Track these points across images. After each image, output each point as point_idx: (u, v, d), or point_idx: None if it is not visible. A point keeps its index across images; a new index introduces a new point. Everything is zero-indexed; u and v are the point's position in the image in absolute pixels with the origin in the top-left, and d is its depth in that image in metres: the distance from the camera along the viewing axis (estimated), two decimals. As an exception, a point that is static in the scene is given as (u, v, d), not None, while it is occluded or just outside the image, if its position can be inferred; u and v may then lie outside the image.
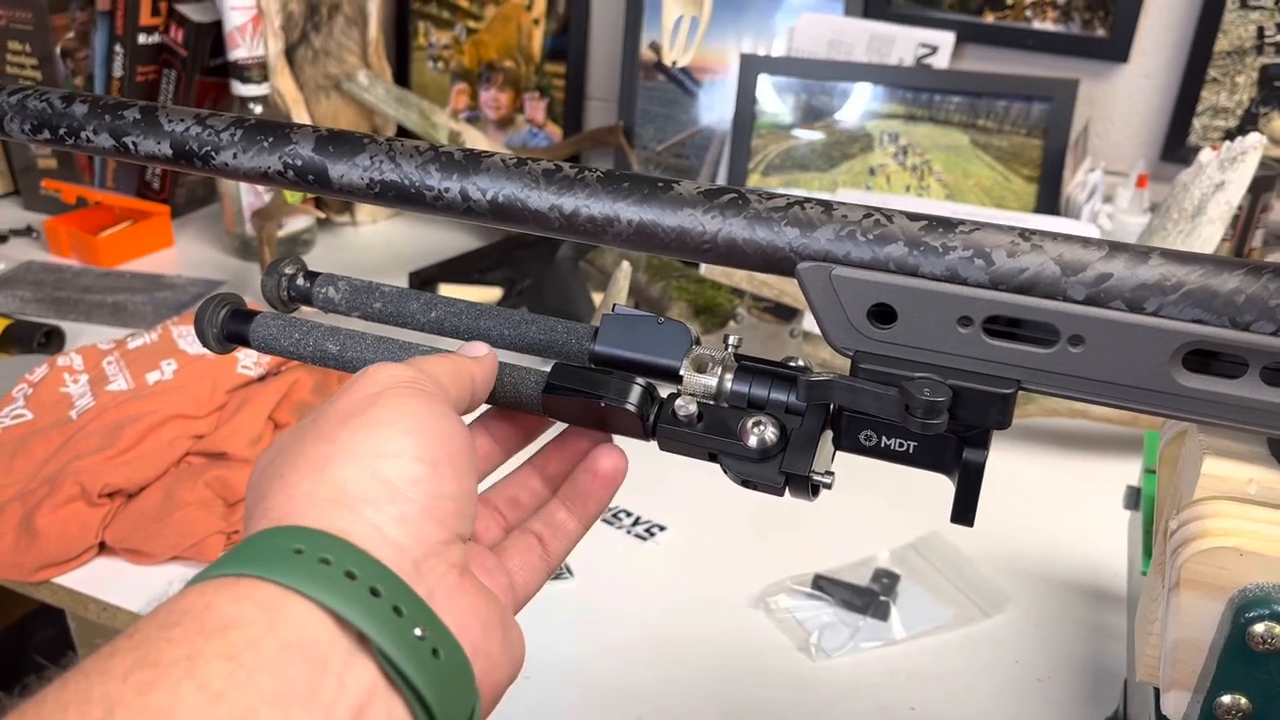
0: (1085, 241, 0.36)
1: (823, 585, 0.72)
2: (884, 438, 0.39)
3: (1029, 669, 0.67)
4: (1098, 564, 0.76)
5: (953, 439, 0.38)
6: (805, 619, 0.70)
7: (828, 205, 0.38)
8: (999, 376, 0.37)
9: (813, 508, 0.79)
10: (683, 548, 0.78)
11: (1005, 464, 0.88)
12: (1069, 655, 0.68)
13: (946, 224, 0.37)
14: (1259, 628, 0.33)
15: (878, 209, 0.38)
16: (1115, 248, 0.36)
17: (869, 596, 0.71)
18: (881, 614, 0.70)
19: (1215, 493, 0.36)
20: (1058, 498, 0.84)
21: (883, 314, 0.38)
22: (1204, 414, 0.35)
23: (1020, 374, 0.37)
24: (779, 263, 0.39)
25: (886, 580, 0.73)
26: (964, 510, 0.39)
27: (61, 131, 0.48)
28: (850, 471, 0.69)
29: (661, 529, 0.79)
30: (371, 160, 0.43)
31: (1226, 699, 0.35)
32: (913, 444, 0.39)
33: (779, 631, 0.69)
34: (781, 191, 0.40)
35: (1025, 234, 0.36)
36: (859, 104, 1.12)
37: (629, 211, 0.40)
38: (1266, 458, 0.36)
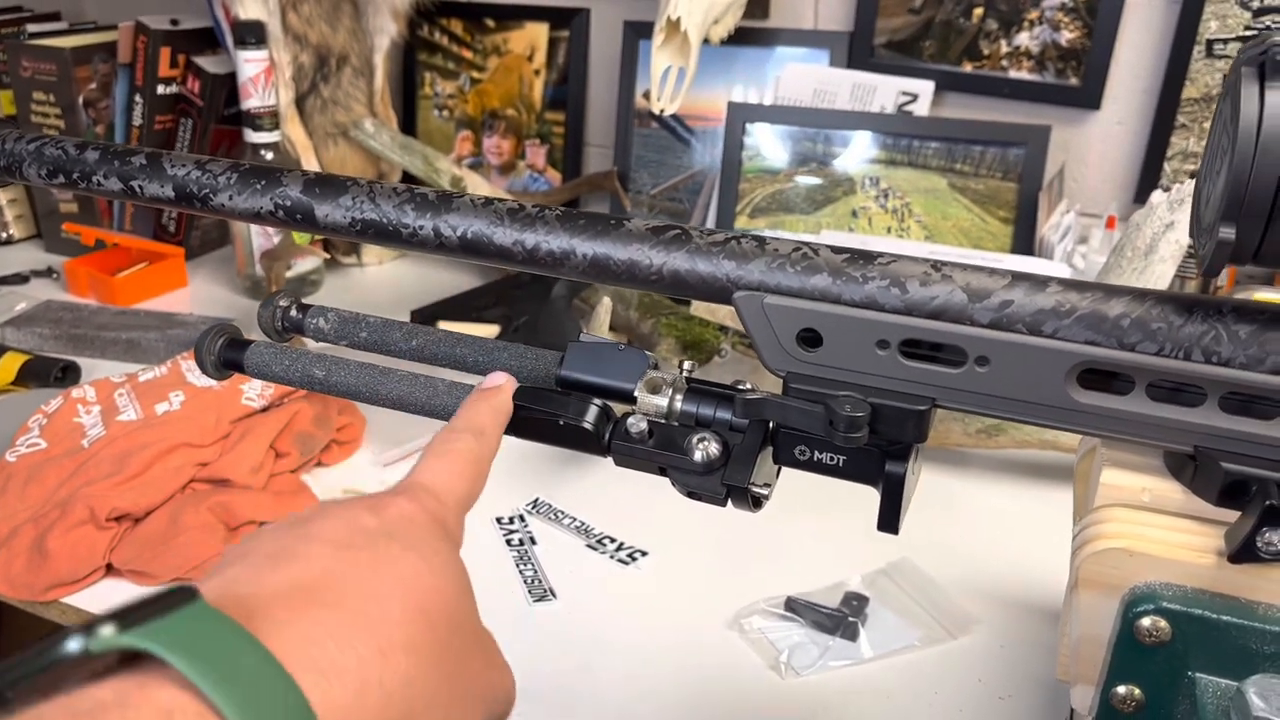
0: (991, 271, 0.40)
1: (795, 607, 0.75)
2: (816, 452, 0.43)
3: (991, 688, 0.70)
4: (1061, 588, 0.79)
5: (877, 453, 0.42)
6: (777, 639, 0.73)
7: (761, 240, 0.42)
8: (915, 395, 0.40)
9: (789, 535, 0.83)
10: (663, 572, 0.81)
11: (977, 493, 0.91)
12: (1029, 674, 0.71)
13: (867, 256, 0.41)
14: (1145, 621, 0.36)
15: (805, 243, 0.42)
16: (1017, 277, 0.39)
17: (838, 618, 0.74)
18: (850, 634, 0.73)
19: (1112, 500, 0.39)
20: (1026, 526, 0.87)
21: (810, 339, 0.41)
22: (1099, 428, 0.39)
23: (934, 392, 0.40)
24: (718, 292, 0.43)
25: (856, 603, 0.75)
26: (889, 518, 0.42)
27: (75, 176, 0.52)
28: (824, 499, 0.73)
29: (643, 554, 0.82)
30: (354, 201, 0.47)
31: (1121, 689, 0.38)
32: (842, 458, 0.43)
33: (751, 651, 0.72)
34: (722, 230, 0.44)
35: (937, 265, 0.40)
36: (843, 149, 1.17)
37: (584, 246, 0.44)
38: (1161, 469, 0.40)
